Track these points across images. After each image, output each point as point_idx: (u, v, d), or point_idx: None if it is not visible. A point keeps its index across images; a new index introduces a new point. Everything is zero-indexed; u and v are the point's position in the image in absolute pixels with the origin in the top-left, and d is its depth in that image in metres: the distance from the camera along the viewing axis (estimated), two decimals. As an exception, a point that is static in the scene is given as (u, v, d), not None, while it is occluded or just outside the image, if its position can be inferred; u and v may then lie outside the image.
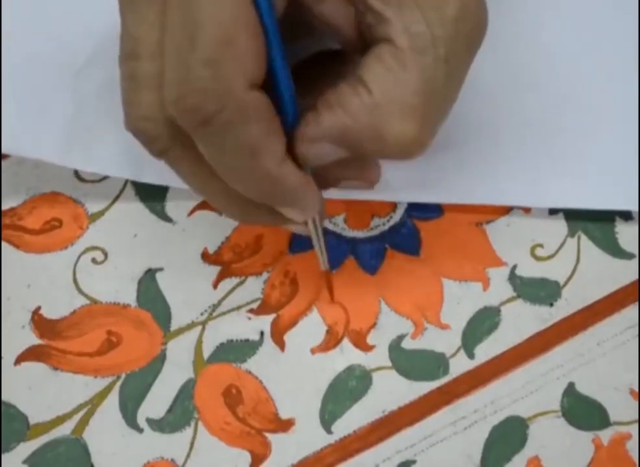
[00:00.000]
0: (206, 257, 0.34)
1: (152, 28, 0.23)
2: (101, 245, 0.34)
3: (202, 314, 0.33)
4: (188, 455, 0.31)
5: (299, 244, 0.34)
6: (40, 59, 0.34)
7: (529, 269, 0.33)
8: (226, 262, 0.34)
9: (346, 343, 0.32)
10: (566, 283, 0.33)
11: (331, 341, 0.32)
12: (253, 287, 0.33)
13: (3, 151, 0.33)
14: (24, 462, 0.31)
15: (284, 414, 0.31)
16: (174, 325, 0.33)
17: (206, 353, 0.32)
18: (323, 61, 0.28)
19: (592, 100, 0.34)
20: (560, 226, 0.34)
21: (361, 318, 0.33)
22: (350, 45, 0.25)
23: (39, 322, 0.33)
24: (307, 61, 0.28)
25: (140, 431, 0.31)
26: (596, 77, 0.34)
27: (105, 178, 0.35)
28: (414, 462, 0.31)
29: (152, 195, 0.35)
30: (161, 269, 0.34)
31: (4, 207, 0.35)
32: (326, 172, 0.27)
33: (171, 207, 0.35)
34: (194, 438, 0.31)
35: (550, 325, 0.33)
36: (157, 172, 0.33)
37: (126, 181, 0.35)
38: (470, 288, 0.33)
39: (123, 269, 0.34)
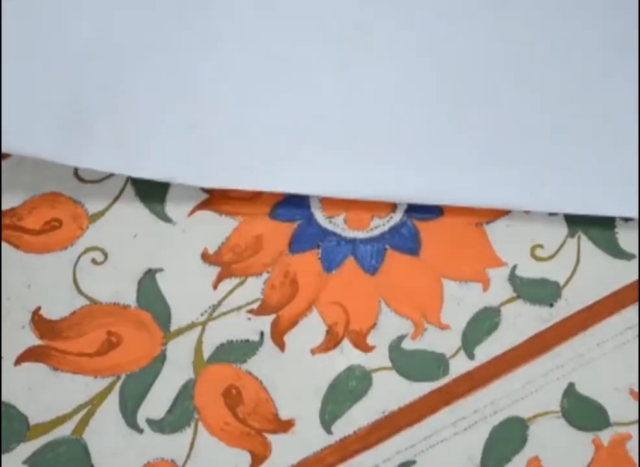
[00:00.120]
0: (206, 257, 0.34)
1: None
2: (101, 245, 0.34)
3: (202, 314, 0.33)
4: (188, 456, 0.31)
5: (299, 244, 0.34)
6: (39, 57, 0.34)
7: (529, 269, 0.33)
8: (226, 262, 0.34)
9: (346, 343, 0.32)
10: (566, 283, 0.33)
11: (331, 341, 0.32)
12: (253, 287, 0.33)
13: (3, 150, 0.33)
14: (24, 462, 0.31)
15: (284, 415, 0.31)
16: (174, 326, 0.33)
17: (206, 354, 0.32)
18: None
19: (592, 105, 0.34)
20: (560, 226, 0.34)
21: (361, 319, 0.33)
22: None
23: (39, 322, 0.33)
24: None
25: (140, 431, 0.31)
26: (596, 82, 0.34)
27: (105, 178, 0.35)
28: (414, 462, 0.31)
29: (152, 195, 0.35)
30: (161, 269, 0.34)
31: (4, 207, 0.35)
32: None
33: (171, 207, 0.35)
34: (194, 438, 0.31)
35: (550, 326, 0.33)
36: (155, 167, 0.33)
37: (126, 182, 0.35)
38: (470, 288, 0.33)
39: (123, 269, 0.34)
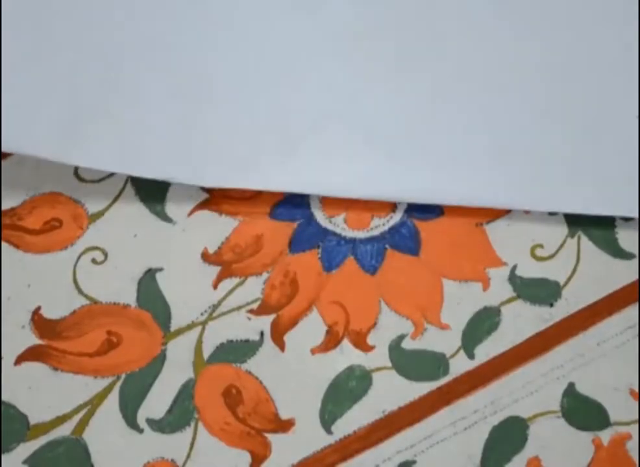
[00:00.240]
0: (206, 257, 0.34)
1: None
2: (101, 245, 0.34)
3: (202, 314, 0.33)
4: (188, 455, 0.31)
5: (299, 244, 0.34)
6: (39, 56, 0.34)
7: (529, 269, 0.33)
8: (226, 262, 0.34)
9: (346, 343, 0.32)
10: (566, 283, 0.33)
11: (331, 341, 0.32)
12: (253, 287, 0.33)
13: (3, 149, 0.33)
14: (24, 462, 0.31)
15: (284, 414, 0.32)
16: (174, 326, 0.33)
17: (206, 354, 0.32)
18: None
19: (592, 105, 0.34)
20: (560, 226, 0.34)
21: (361, 318, 0.33)
22: None
23: (39, 322, 0.33)
24: None
25: (140, 431, 0.31)
26: (596, 82, 0.34)
27: (105, 178, 0.35)
28: (414, 462, 0.31)
29: (152, 195, 0.35)
30: (161, 269, 0.34)
31: (4, 207, 0.35)
32: None
33: (171, 207, 0.35)
34: (194, 438, 0.31)
35: (550, 326, 0.33)
36: (155, 166, 0.33)
37: (126, 181, 0.35)
38: (470, 288, 0.33)
39: (123, 269, 0.34)
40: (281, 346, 0.32)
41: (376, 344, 0.32)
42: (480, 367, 0.32)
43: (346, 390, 0.32)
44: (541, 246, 0.34)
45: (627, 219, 0.34)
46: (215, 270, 0.33)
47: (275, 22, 0.35)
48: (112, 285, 0.33)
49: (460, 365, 0.32)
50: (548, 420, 0.31)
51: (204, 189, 0.35)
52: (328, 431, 0.31)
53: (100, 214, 0.35)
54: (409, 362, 0.32)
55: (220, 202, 0.34)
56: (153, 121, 0.34)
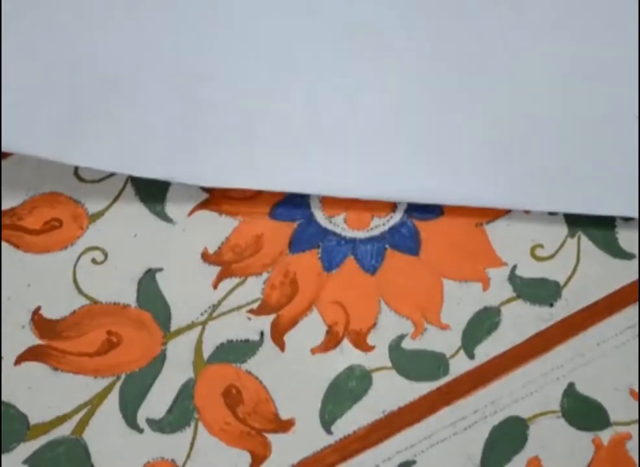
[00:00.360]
0: (206, 257, 0.34)
1: None
2: (101, 245, 0.34)
3: (202, 314, 0.33)
4: (188, 455, 0.31)
5: (299, 244, 0.34)
6: (39, 56, 0.34)
7: (529, 269, 0.33)
8: (226, 262, 0.34)
9: (346, 343, 0.32)
10: (566, 283, 0.33)
11: (331, 341, 0.32)
12: (253, 287, 0.33)
13: (3, 149, 0.33)
14: (24, 462, 0.31)
15: (284, 414, 0.32)
16: (174, 326, 0.33)
17: (206, 353, 0.32)
18: None
19: (592, 105, 0.34)
20: (560, 226, 0.34)
21: (361, 318, 0.33)
22: None
23: (39, 322, 0.33)
24: None
25: (140, 431, 0.31)
26: (596, 83, 0.34)
27: (105, 178, 0.35)
28: (414, 462, 0.31)
29: (152, 195, 0.35)
30: (161, 269, 0.34)
31: (4, 207, 0.35)
32: None
33: (171, 207, 0.35)
34: (194, 438, 0.31)
35: (550, 326, 0.33)
36: (155, 166, 0.33)
37: (126, 181, 0.35)
38: (470, 288, 0.33)
39: (123, 269, 0.34)
40: (281, 346, 0.32)
41: (376, 344, 0.32)
42: (480, 367, 0.32)
43: (346, 390, 0.32)
44: (541, 246, 0.34)
45: (627, 219, 0.34)
46: (215, 270, 0.33)
47: (275, 22, 0.35)
48: (112, 285, 0.33)
49: (460, 365, 0.32)
50: (548, 420, 0.31)
51: (204, 189, 0.35)
52: (328, 431, 0.31)
53: (100, 214, 0.35)
54: (409, 362, 0.32)
55: (220, 202, 0.34)
56: (153, 121, 0.34)
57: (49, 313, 0.33)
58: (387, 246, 0.34)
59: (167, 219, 0.34)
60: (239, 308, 0.33)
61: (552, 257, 0.34)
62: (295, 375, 0.32)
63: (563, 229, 0.34)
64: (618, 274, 0.33)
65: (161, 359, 0.32)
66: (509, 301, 0.33)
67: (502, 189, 0.33)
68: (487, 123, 0.34)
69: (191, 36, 0.35)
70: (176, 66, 0.34)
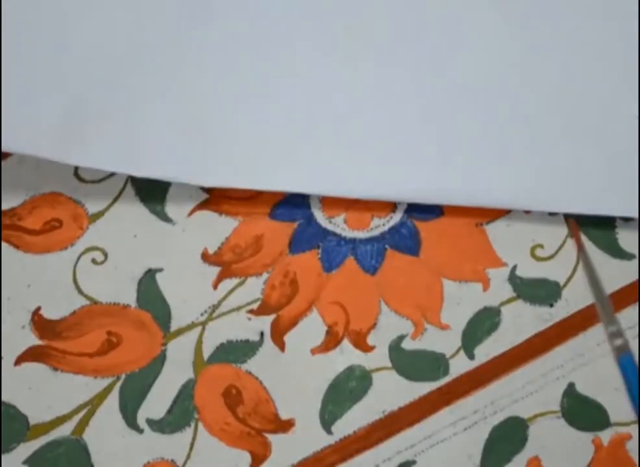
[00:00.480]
0: (206, 257, 0.34)
1: None
2: (101, 245, 0.34)
3: (202, 314, 0.33)
4: (188, 456, 0.31)
5: (299, 244, 0.34)
6: (39, 56, 0.34)
7: (529, 269, 0.33)
8: (226, 262, 0.34)
9: (346, 343, 0.32)
10: (566, 283, 0.33)
11: (331, 341, 0.32)
12: (253, 287, 0.33)
13: (3, 149, 0.33)
14: (25, 462, 0.31)
15: (284, 415, 0.32)
16: (174, 326, 0.33)
17: (206, 354, 0.32)
18: None
19: (593, 105, 0.34)
20: (560, 226, 0.34)
21: (361, 319, 0.33)
22: None
23: (39, 322, 0.33)
24: None
25: (140, 431, 0.31)
26: (596, 83, 0.34)
27: (105, 178, 0.35)
28: (414, 462, 0.31)
29: (152, 195, 0.35)
30: (161, 269, 0.34)
31: (4, 207, 0.35)
32: None
33: (171, 207, 0.35)
34: (194, 438, 0.31)
35: (550, 326, 0.33)
36: (156, 166, 0.33)
37: (126, 182, 0.35)
38: (470, 288, 0.33)
39: (123, 269, 0.34)
40: (281, 346, 0.32)
41: (376, 344, 0.32)
42: (480, 367, 0.32)
43: (346, 390, 0.32)
44: (541, 246, 0.34)
45: (627, 219, 0.34)
46: (215, 270, 0.33)
47: (275, 22, 0.35)
48: (112, 285, 0.33)
49: (460, 365, 0.32)
50: (548, 420, 0.31)
51: (204, 189, 0.35)
52: (328, 431, 0.31)
53: (100, 214, 0.35)
54: (409, 363, 0.32)
55: (220, 202, 0.34)
56: (153, 121, 0.34)
57: (48, 313, 0.33)
58: (387, 246, 0.34)
59: (167, 219, 0.34)
60: (239, 308, 0.33)
61: (552, 257, 0.34)
62: (295, 375, 0.32)
63: (563, 229, 0.34)
64: (618, 274, 0.33)
65: (161, 359, 0.32)
66: (509, 301, 0.33)
67: (502, 189, 0.33)
68: (487, 124, 0.34)
69: (191, 36, 0.35)
70: (176, 66, 0.34)
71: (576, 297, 0.33)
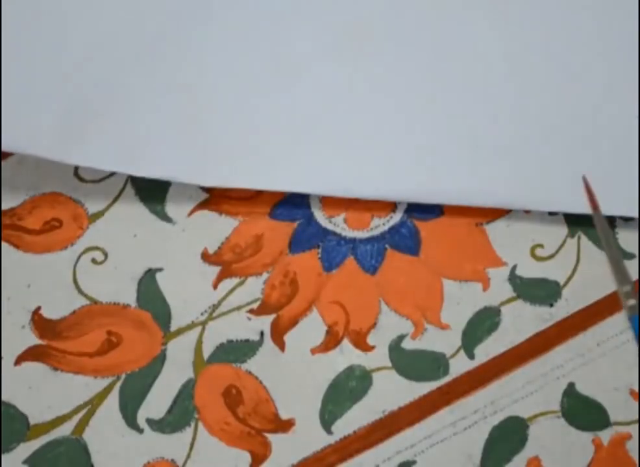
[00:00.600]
0: (206, 257, 0.34)
1: None
2: (101, 245, 0.34)
3: (202, 314, 0.33)
4: (188, 455, 0.31)
5: (299, 244, 0.34)
6: (39, 56, 0.34)
7: (529, 269, 0.33)
8: (226, 262, 0.34)
9: (346, 343, 0.32)
10: (566, 283, 0.33)
11: (331, 341, 0.32)
12: (253, 287, 0.33)
13: (3, 149, 0.33)
14: (24, 462, 0.31)
15: (284, 414, 0.32)
16: (174, 326, 0.33)
17: (206, 354, 0.32)
18: None
19: (592, 106, 0.34)
20: (560, 226, 0.34)
21: (361, 318, 0.33)
22: None
23: (39, 322, 0.33)
24: None
25: (140, 431, 0.31)
26: (596, 83, 0.34)
27: (105, 177, 0.35)
28: (414, 462, 0.31)
29: (152, 195, 0.35)
30: (161, 269, 0.34)
31: (4, 207, 0.35)
32: None
33: (171, 207, 0.35)
34: (194, 438, 0.31)
35: (550, 326, 0.33)
36: (156, 166, 0.33)
37: (126, 181, 0.35)
38: (470, 288, 0.33)
39: (123, 269, 0.34)
40: (281, 346, 0.32)
41: (376, 344, 0.32)
42: (480, 367, 0.32)
43: (346, 390, 0.32)
44: (541, 246, 0.34)
45: (627, 219, 0.34)
46: (215, 270, 0.33)
47: (275, 22, 0.35)
48: (112, 285, 0.33)
49: (460, 365, 0.32)
50: (548, 420, 0.31)
51: (204, 189, 0.35)
52: (328, 431, 0.31)
53: (100, 214, 0.35)
54: (409, 362, 0.32)
55: (220, 202, 0.34)
56: (153, 121, 0.34)
57: (48, 313, 0.33)
58: (387, 246, 0.34)
59: (167, 219, 0.34)
60: (239, 308, 0.33)
61: (552, 257, 0.34)
62: (295, 375, 0.32)
63: (563, 229, 0.34)
64: (618, 274, 0.33)
65: (161, 359, 0.32)
66: (509, 301, 0.33)
67: (502, 189, 0.33)
68: (487, 123, 0.34)
69: (191, 36, 0.35)
70: (176, 66, 0.34)
71: (576, 297, 0.33)
